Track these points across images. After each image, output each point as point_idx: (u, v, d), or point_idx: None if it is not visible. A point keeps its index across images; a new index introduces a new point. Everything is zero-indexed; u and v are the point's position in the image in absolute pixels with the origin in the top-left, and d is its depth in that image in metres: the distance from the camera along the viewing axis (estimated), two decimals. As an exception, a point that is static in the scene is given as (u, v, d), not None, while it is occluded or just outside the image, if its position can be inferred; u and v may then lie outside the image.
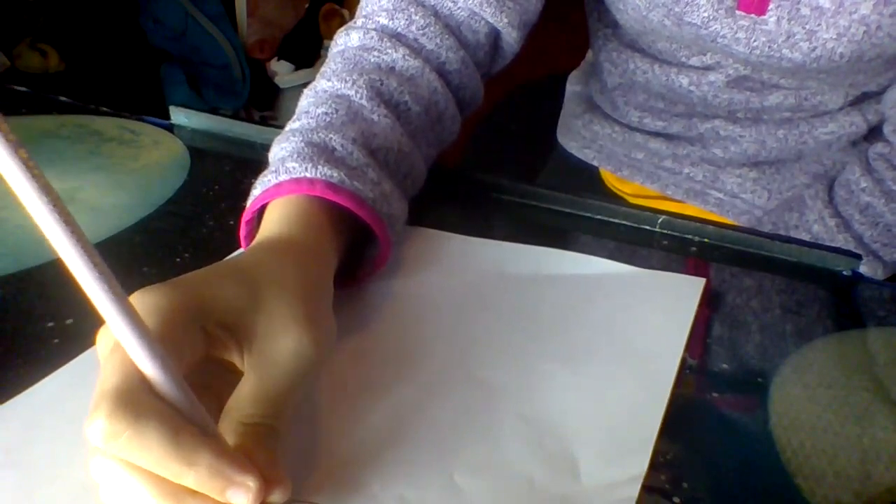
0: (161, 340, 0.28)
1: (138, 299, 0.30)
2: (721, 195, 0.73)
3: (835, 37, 0.56)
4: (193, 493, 0.27)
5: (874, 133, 0.67)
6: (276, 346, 0.31)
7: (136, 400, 0.26)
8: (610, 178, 0.81)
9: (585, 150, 0.81)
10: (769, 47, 0.58)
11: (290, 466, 0.31)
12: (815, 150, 0.68)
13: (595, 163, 0.80)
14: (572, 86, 0.86)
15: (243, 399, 0.30)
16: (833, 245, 0.62)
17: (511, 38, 0.58)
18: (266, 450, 0.29)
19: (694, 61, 0.66)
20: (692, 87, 0.66)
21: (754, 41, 0.59)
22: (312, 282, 0.36)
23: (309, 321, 0.33)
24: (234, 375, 0.31)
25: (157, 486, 0.27)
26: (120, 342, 0.26)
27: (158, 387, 0.27)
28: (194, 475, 0.27)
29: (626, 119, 0.75)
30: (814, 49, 0.57)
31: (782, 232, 0.66)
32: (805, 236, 0.64)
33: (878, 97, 0.66)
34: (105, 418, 0.26)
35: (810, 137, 0.67)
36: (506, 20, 0.57)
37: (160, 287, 0.31)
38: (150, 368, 0.27)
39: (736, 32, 0.59)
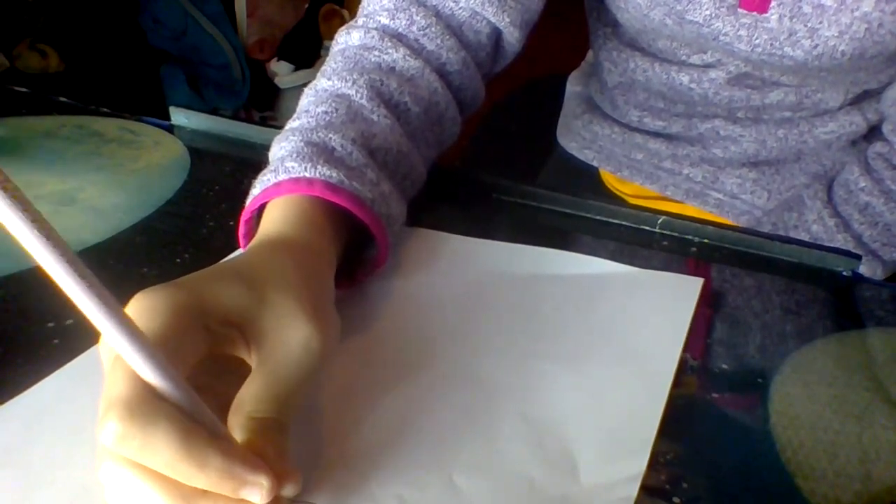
0: (163, 341, 0.28)
1: (139, 301, 0.30)
2: (721, 196, 0.73)
3: (836, 34, 0.56)
4: (205, 493, 0.27)
5: (873, 133, 0.67)
6: (285, 342, 0.31)
7: (146, 403, 0.26)
8: (610, 178, 0.81)
9: (585, 150, 0.81)
10: (771, 45, 0.58)
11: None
12: (815, 149, 0.68)
13: (595, 163, 0.80)
14: (572, 86, 0.86)
15: (252, 394, 0.30)
16: (832, 245, 0.62)
17: (513, 37, 0.58)
18: (275, 444, 0.29)
19: (694, 59, 0.66)
20: (692, 85, 0.66)
21: (756, 39, 0.59)
22: (314, 280, 0.36)
23: (315, 316, 0.33)
24: (236, 374, 0.32)
25: (169, 488, 0.27)
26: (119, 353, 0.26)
27: (163, 392, 0.27)
28: (205, 477, 0.27)
29: (626, 118, 0.75)
30: (815, 47, 0.57)
31: (781, 232, 0.66)
32: (804, 236, 0.64)
33: (878, 96, 0.66)
34: (117, 421, 0.26)
35: (810, 137, 0.67)
36: (507, 19, 0.57)
37: (161, 288, 0.31)
38: (151, 376, 0.27)
39: (738, 30, 0.59)
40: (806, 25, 0.56)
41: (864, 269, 0.62)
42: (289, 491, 0.29)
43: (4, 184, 0.21)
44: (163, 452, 0.26)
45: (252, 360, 0.32)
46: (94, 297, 0.24)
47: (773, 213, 0.70)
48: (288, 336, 0.32)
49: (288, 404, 0.30)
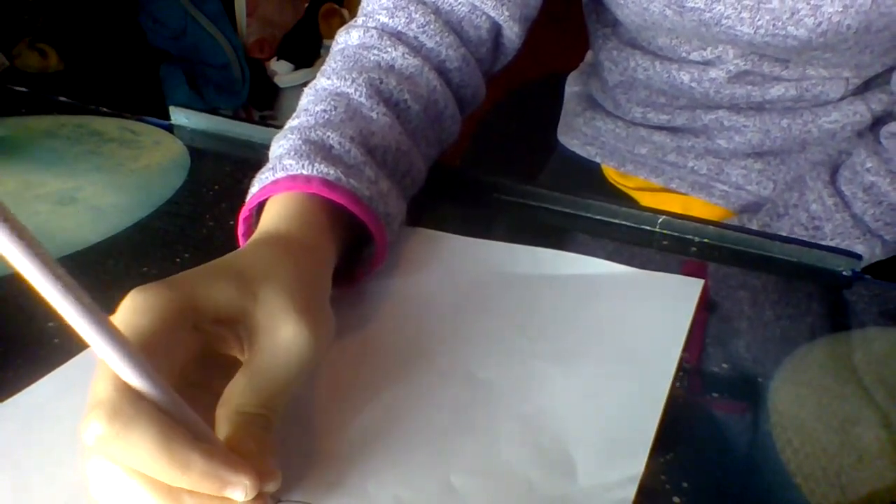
0: (154, 340, 0.29)
1: (131, 299, 0.30)
2: (726, 187, 0.72)
3: (840, 9, 0.55)
4: (190, 491, 0.28)
5: (878, 124, 0.66)
6: (274, 338, 0.32)
7: (128, 405, 0.27)
8: (612, 173, 0.81)
9: (588, 147, 0.81)
10: (773, 26, 0.58)
11: (285, 466, 0.31)
12: (820, 139, 0.68)
13: (598, 160, 0.80)
14: (571, 87, 0.86)
15: (238, 389, 0.30)
16: (829, 224, 0.62)
17: (512, 32, 0.59)
18: (257, 440, 0.29)
19: (694, 56, 0.66)
20: (693, 84, 0.66)
21: (758, 21, 0.58)
22: (309, 277, 0.36)
23: (306, 314, 0.33)
24: (235, 369, 0.32)
25: (154, 486, 0.28)
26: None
27: (145, 394, 0.27)
28: (188, 478, 0.27)
29: (629, 116, 0.75)
30: (819, 24, 0.56)
31: (781, 211, 0.66)
32: (803, 215, 0.64)
33: (881, 86, 0.66)
34: (98, 422, 0.26)
35: (814, 126, 0.67)
36: (507, 13, 0.57)
37: (154, 286, 0.31)
38: (131, 377, 0.26)
39: (740, 13, 0.59)
40: (808, 3, 0.56)
41: (861, 249, 0.61)
42: (269, 487, 0.29)
43: None
44: (143, 454, 0.26)
45: (244, 357, 0.32)
46: (71, 299, 0.23)
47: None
48: (278, 333, 0.32)
49: (274, 401, 0.30)
